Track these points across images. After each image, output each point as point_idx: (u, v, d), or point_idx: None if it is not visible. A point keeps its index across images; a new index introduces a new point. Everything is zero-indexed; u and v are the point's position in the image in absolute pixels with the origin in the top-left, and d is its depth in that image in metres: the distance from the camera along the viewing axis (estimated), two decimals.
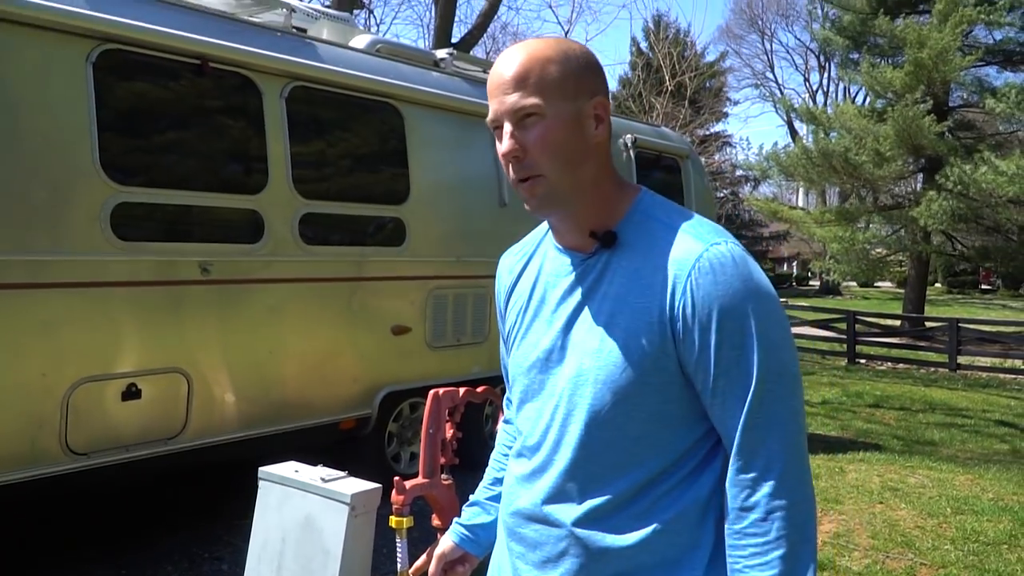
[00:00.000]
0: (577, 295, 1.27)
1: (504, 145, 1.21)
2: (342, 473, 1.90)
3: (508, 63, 1.22)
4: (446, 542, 1.52)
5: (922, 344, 15.41)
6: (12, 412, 3.42)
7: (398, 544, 1.73)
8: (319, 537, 1.81)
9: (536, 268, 1.36)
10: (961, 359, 13.94)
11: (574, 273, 1.28)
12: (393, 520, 1.73)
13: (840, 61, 20.47)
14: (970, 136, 18.02)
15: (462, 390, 2.02)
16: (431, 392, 2.01)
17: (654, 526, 1.20)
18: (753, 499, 1.16)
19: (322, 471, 1.91)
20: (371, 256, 4.79)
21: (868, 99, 19.94)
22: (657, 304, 1.18)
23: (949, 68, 15.87)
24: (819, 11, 20.47)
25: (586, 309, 1.25)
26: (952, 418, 9.59)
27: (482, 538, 1.53)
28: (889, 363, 14.71)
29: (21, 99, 3.46)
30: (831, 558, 4.26)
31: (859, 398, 10.70)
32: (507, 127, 1.21)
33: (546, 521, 1.26)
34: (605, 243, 1.25)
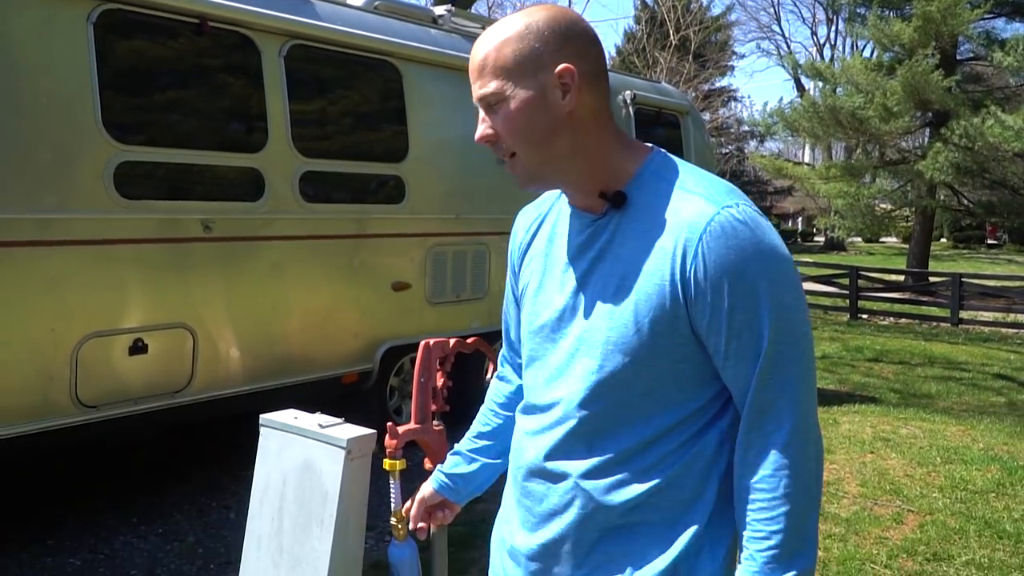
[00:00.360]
0: (588, 256, 1.27)
1: (477, 131, 1.25)
2: (339, 420, 2.00)
3: (474, 52, 1.25)
4: (427, 488, 1.57)
5: (925, 299, 15.48)
6: (23, 366, 3.53)
7: (391, 485, 1.82)
8: (318, 480, 1.91)
9: (551, 227, 1.37)
10: (964, 314, 13.98)
11: (586, 233, 1.28)
12: (387, 463, 1.82)
13: (847, 15, 20.22)
14: (978, 89, 17.86)
15: (452, 340, 2.10)
16: (422, 342, 2.10)
17: (658, 480, 1.23)
18: (763, 456, 1.18)
19: (320, 418, 2.01)
20: (371, 213, 4.87)
21: (876, 53, 19.75)
22: (668, 267, 1.18)
23: (957, 22, 15.71)
24: None
25: (597, 270, 1.26)
26: (951, 372, 9.69)
27: (461, 487, 1.56)
28: (891, 318, 14.78)
29: (24, 60, 3.51)
30: (821, 505, 4.38)
31: (859, 352, 10.80)
32: (480, 113, 1.25)
33: (552, 475, 1.29)
34: (615, 203, 1.25)
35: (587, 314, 1.25)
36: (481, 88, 1.22)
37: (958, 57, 18.32)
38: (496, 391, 1.61)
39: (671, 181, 1.24)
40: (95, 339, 3.70)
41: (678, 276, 1.18)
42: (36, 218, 3.52)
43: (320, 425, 1.92)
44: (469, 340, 2.18)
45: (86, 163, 3.66)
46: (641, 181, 1.25)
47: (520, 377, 1.53)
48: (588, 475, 1.25)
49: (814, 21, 43.16)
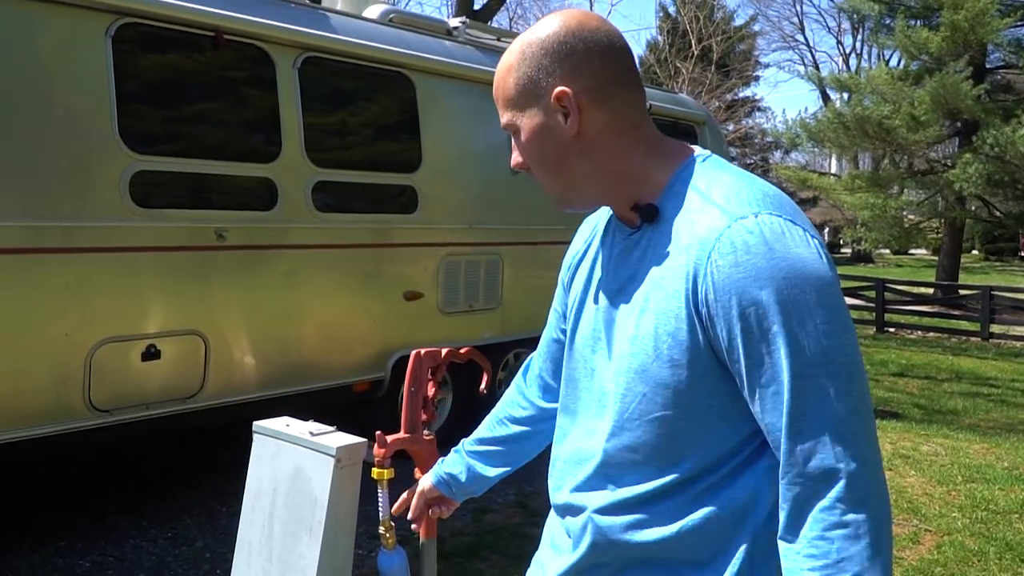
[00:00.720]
0: (621, 273, 1.19)
1: (512, 158, 1.24)
2: (330, 428, 2.01)
3: (495, 77, 1.22)
4: (426, 481, 1.55)
5: (954, 313, 15.27)
6: (38, 369, 3.59)
7: (379, 494, 1.84)
8: (308, 487, 1.93)
9: (599, 241, 1.29)
10: (994, 328, 13.77)
11: (620, 248, 1.21)
12: (375, 472, 1.84)
13: (873, 26, 20.07)
14: (1008, 98, 17.63)
15: (444, 350, 2.11)
16: (413, 352, 2.11)
17: (681, 525, 1.12)
18: (809, 516, 1.01)
19: (311, 425, 2.02)
20: (384, 223, 4.90)
21: (902, 62, 19.58)
22: (683, 288, 1.08)
23: (986, 30, 15.54)
24: None
25: (627, 289, 1.17)
26: (978, 387, 9.54)
27: (454, 488, 1.54)
28: (919, 332, 14.59)
29: (45, 72, 3.59)
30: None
31: (883, 367, 10.68)
32: (512, 140, 1.22)
33: (575, 508, 1.22)
34: (646, 217, 1.15)
35: (615, 337, 1.17)
36: (503, 118, 1.21)
37: (988, 65, 18.11)
38: (514, 402, 1.54)
39: (698, 189, 1.12)
40: (109, 344, 3.76)
41: (691, 299, 1.07)
42: (53, 225, 3.59)
43: (311, 433, 1.94)
44: (462, 350, 2.19)
45: (103, 172, 3.73)
46: (672, 192, 1.15)
47: (543, 395, 1.51)
48: (605, 511, 1.17)
49: (839, 31, 42.84)
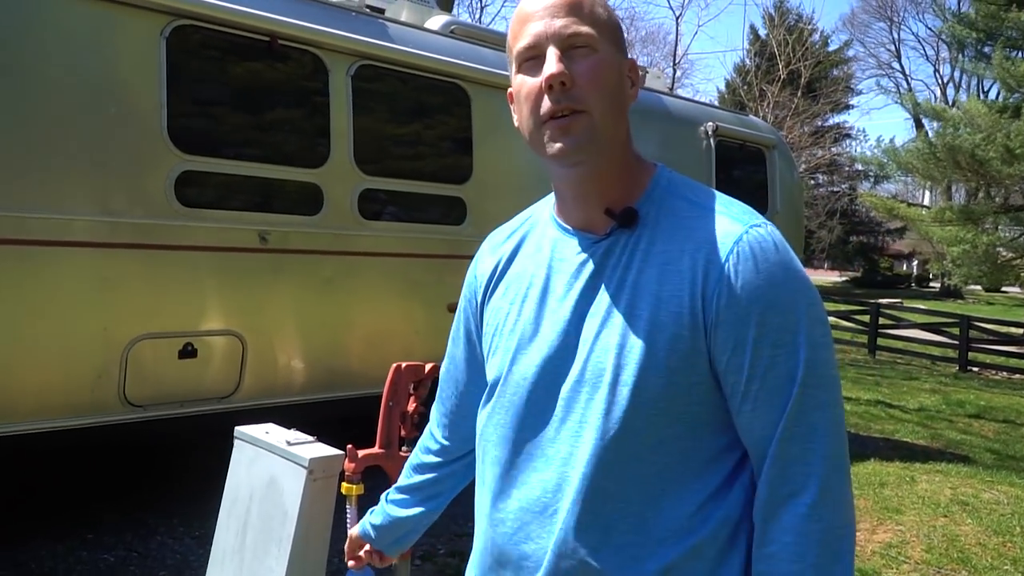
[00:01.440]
0: (589, 283, 1.12)
1: (551, 67, 1.06)
2: (310, 438, 1.97)
3: None
4: (354, 530, 1.50)
5: None
6: (75, 362, 3.67)
7: (347, 510, 1.79)
8: (280, 498, 1.89)
9: (535, 250, 1.20)
10: None
11: (585, 257, 1.13)
12: (344, 487, 1.79)
13: (973, 55, 19.33)
14: None
15: (428, 365, 2.05)
16: (393, 365, 2.06)
17: (680, 550, 1.06)
18: (787, 520, 1.03)
19: (291, 434, 1.99)
20: (430, 233, 4.88)
21: (1001, 94, 18.78)
22: (688, 292, 1.04)
23: None
24: (949, 4, 19.37)
25: (601, 299, 1.10)
26: None
27: (376, 538, 1.47)
28: (1004, 373, 13.90)
29: (100, 69, 3.68)
30: (877, 569, 4.11)
31: (960, 407, 10.17)
32: (553, 51, 1.07)
33: (548, 553, 1.09)
34: (624, 222, 1.11)
35: (590, 351, 1.09)
36: (576, 25, 1.08)
37: None
38: (426, 447, 1.46)
39: (685, 198, 1.12)
40: (146, 340, 3.82)
41: (699, 303, 1.04)
42: (97, 220, 3.66)
43: (288, 442, 1.91)
44: None
45: (149, 170, 3.80)
46: (652, 198, 1.13)
47: (452, 435, 1.40)
48: (596, 550, 1.07)
49: (937, 59, 41.45)
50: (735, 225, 1.06)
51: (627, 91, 1.14)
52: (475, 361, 1.33)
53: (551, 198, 1.24)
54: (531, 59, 1.10)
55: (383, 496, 1.49)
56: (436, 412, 1.45)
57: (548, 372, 1.13)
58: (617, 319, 1.08)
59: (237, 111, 4.17)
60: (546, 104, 1.08)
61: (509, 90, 1.18)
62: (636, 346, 1.06)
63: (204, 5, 3.92)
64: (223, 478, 2.17)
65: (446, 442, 1.42)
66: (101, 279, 3.69)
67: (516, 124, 1.17)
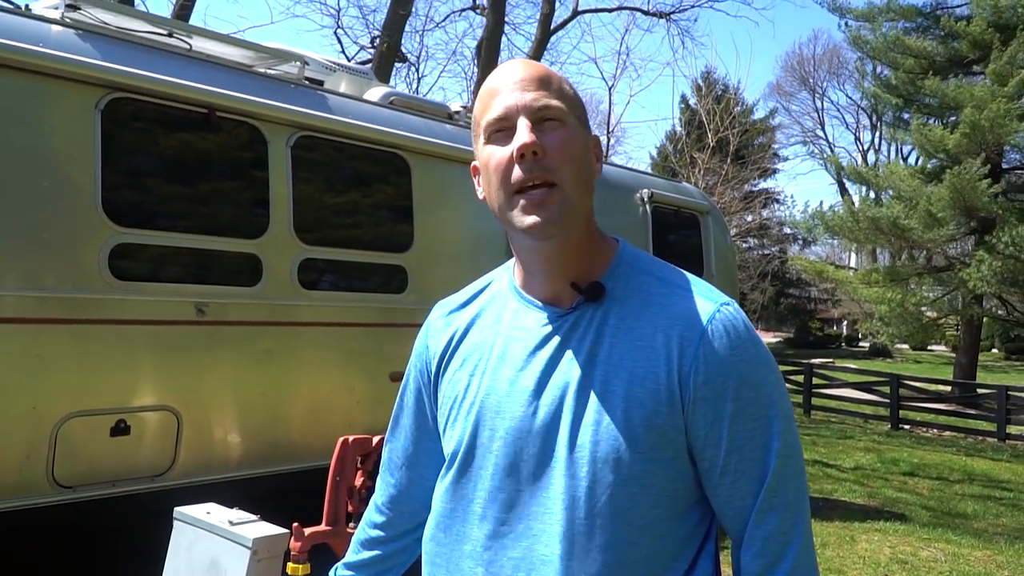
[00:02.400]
0: (555, 356, 1.11)
1: (523, 136, 1.08)
2: (253, 517, 1.92)
3: (523, 66, 1.15)
4: None
5: (970, 412, 14.96)
6: (1, 442, 3.52)
7: None
8: None
9: (493, 321, 1.20)
10: (1012, 428, 13.46)
11: (550, 330, 1.13)
12: (290, 567, 1.74)
13: (891, 121, 20.30)
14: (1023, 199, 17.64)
15: (376, 438, 2.03)
16: (340, 439, 2.03)
17: None
18: None
19: (233, 514, 1.93)
20: (371, 302, 4.86)
21: (919, 160, 19.70)
22: (664, 369, 1.06)
23: (1004, 131, 15.64)
24: (867, 68, 20.37)
25: (570, 373, 1.09)
26: (991, 490, 9.26)
27: None
28: (935, 430, 14.28)
29: (33, 142, 3.62)
30: None
31: (894, 465, 10.40)
32: (524, 122, 1.09)
33: None
34: (591, 296, 1.11)
35: (562, 425, 1.08)
36: (543, 99, 1.11)
37: (1004, 166, 18.17)
38: (372, 522, 1.42)
39: (652, 275, 1.14)
40: (77, 418, 3.69)
41: (676, 380, 1.05)
42: (28, 296, 3.56)
43: (230, 522, 1.85)
44: None
45: (82, 244, 3.72)
46: (618, 273, 1.14)
47: (398, 511, 1.36)
48: None
49: (858, 127, 43.37)
50: (707, 304, 1.09)
51: (592, 166, 1.17)
52: (426, 431, 1.30)
53: (508, 266, 1.24)
54: (501, 131, 1.12)
55: (331, 572, 1.44)
56: (382, 484, 1.41)
57: (516, 445, 1.11)
58: (590, 394, 1.07)
59: (174, 183, 4.13)
60: (517, 173, 1.09)
61: (473, 163, 1.20)
62: (613, 422, 1.05)
63: (140, 78, 3.90)
64: (158, 560, 2.10)
65: (393, 515, 1.39)
66: (30, 356, 3.57)
67: (481, 196, 1.18)
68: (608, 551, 1.04)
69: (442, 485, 1.20)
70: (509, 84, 1.12)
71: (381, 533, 1.40)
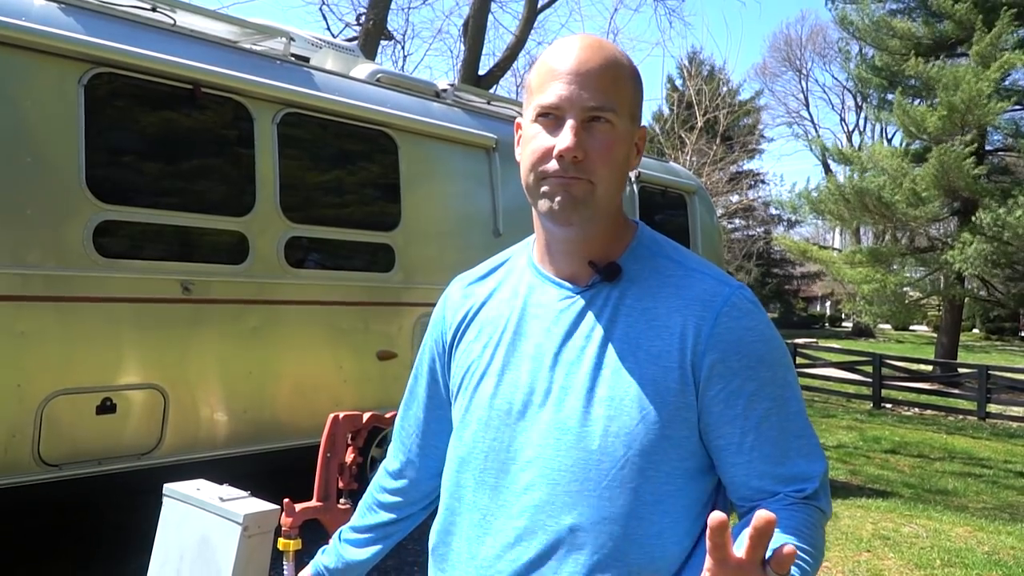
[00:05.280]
0: (570, 333, 1.12)
1: (567, 140, 1.07)
2: (243, 493, 1.92)
3: (588, 51, 1.10)
4: (306, 571, 1.44)
5: (952, 391, 15.11)
6: None
7: (284, 567, 1.74)
8: (213, 556, 1.83)
9: (510, 295, 1.20)
10: (992, 407, 13.62)
11: (565, 306, 1.14)
12: (281, 542, 1.74)
13: (876, 102, 20.33)
14: (1006, 180, 17.75)
15: (366, 415, 2.03)
16: (331, 415, 2.03)
17: None
18: (807, 521, 1.07)
19: (223, 490, 1.93)
20: (358, 281, 4.84)
21: (903, 141, 19.77)
22: (676, 348, 1.07)
23: (983, 112, 15.70)
24: (853, 50, 20.37)
25: (583, 350, 1.11)
26: (971, 467, 9.38)
27: None
28: (916, 409, 14.43)
29: (15, 118, 3.58)
30: None
31: (876, 443, 10.50)
32: (571, 122, 1.08)
33: None
34: (607, 276, 1.12)
35: (575, 400, 1.09)
36: (602, 99, 1.08)
37: (988, 147, 18.27)
38: (381, 486, 1.43)
39: (669, 257, 1.16)
40: (62, 396, 3.67)
41: (688, 359, 1.07)
42: (13, 273, 3.53)
43: (220, 498, 1.85)
44: (388, 415, 2.10)
45: (66, 221, 3.68)
46: (636, 255, 1.15)
47: (411, 476, 1.38)
48: None
49: (843, 107, 43.38)
50: (722, 286, 1.11)
51: (632, 160, 1.16)
52: (438, 399, 1.32)
53: (528, 242, 1.25)
54: (549, 115, 1.10)
55: (336, 536, 1.45)
56: (394, 451, 1.43)
57: (525, 418, 1.12)
58: (606, 371, 1.09)
59: (159, 159, 4.09)
60: (553, 166, 1.09)
61: (517, 119, 1.19)
62: (628, 398, 1.07)
63: (124, 53, 3.86)
64: (145, 538, 2.09)
65: (403, 482, 1.40)
66: (15, 333, 3.54)
67: (517, 156, 1.17)
68: (617, 525, 1.06)
69: (455, 453, 1.22)
70: (569, 71, 1.09)
71: (390, 499, 1.41)
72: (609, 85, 1.09)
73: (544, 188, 1.10)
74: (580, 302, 1.13)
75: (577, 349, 1.11)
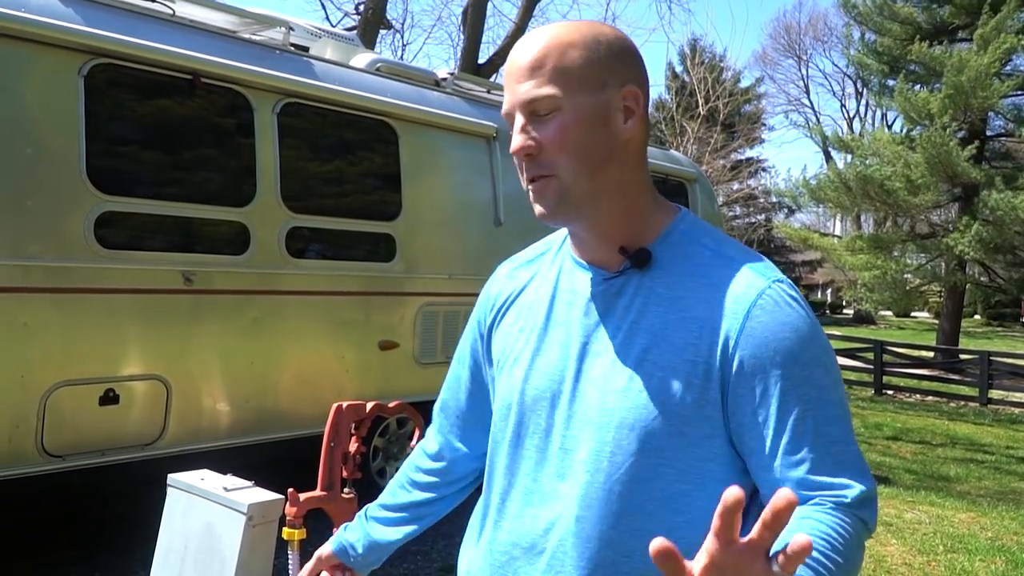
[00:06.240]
0: (598, 319, 1.10)
1: (515, 140, 1.07)
2: (247, 483, 1.93)
3: (525, 48, 1.07)
4: (326, 547, 1.42)
5: (953, 377, 15.12)
6: None
7: (290, 556, 1.74)
8: (217, 545, 1.83)
9: (549, 279, 1.18)
10: (994, 393, 13.63)
11: (595, 292, 1.11)
12: (285, 531, 1.74)
13: (877, 88, 20.27)
14: (1008, 165, 17.71)
15: (370, 404, 2.03)
16: (335, 404, 2.03)
17: None
18: (844, 525, 0.99)
19: (227, 480, 1.94)
20: (359, 271, 4.84)
21: (904, 128, 19.73)
22: (705, 342, 1.02)
23: (987, 94, 15.65)
24: (855, 35, 20.29)
25: (611, 337, 1.08)
26: (973, 454, 9.39)
27: (353, 556, 1.40)
28: (918, 395, 14.44)
29: (14, 109, 3.57)
30: None
31: (878, 430, 10.52)
32: (519, 120, 1.07)
33: None
34: (637, 262, 1.08)
35: (594, 389, 1.07)
36: (534, 89, 1.05)
37: (988, 133, 18.22)
38: (417, 466, 1.41)
39: (706, 246, 1.09)
40: (65, 387, 3.67)
41: (717, 353, 1.01)
42: (14, 265, 3.53)
43: (225, 488, 1.86)
44: (392, 404, 2.10)
45: (67, 212, 3.68)
46: (670, 241, 1.10)
47: (449, 457, 1.37)
48: None
49: (843, 95, 43.26)
50: (759, 278, 1.04)
51: (615, 132, 1.07)
52: (479, 382, 1.31)
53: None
54: (511, 123, 1.09)
55: (361, 514, 1.43)
56: (433, 432, 1.42)
57: (551, 405, 1.11)
58: (629, 359, 1.06)
59: (159, 150, 4.08)
60: (524, 170, 1.09)
61: None
62: (646, 390, 1.03)
63: (124, 43, 3.85)
64: (149, 528, 2.10)
65: (444, 462, 1.39)
66: (18, 325, 3.54)
67: None
68: (624, 518, 1.04)
69: (490, 438, 1.22)
70: (510, 73, 1.09)
71: (427, 479, 1.40)
72: (546, 68, 1.05)
73: (529, 194, 1.10)
74: (610, 289, 1.10)
75: (603, 337, 1.09)
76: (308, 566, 1.41)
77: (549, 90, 1.04)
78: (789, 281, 1.06)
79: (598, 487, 1.05)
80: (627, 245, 1.09)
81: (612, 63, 1.07)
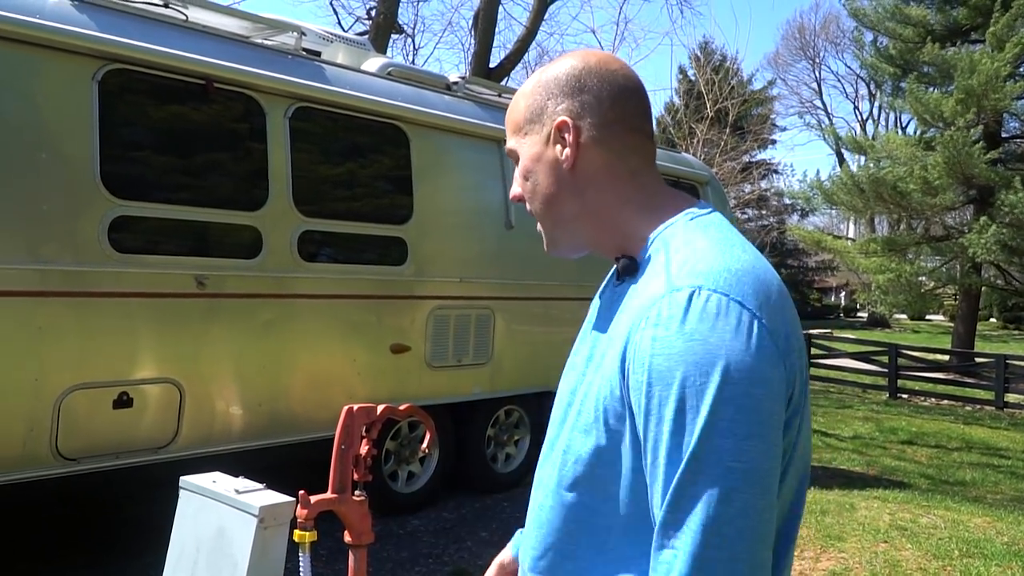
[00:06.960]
0: (594, 329, 1.13)
1: (511, 191, 1.21)
2: (259, 485, 1.93)
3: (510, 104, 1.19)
4: (506, 553, 1.37)
5: (969, 380, 14.99)
6: (4, 415, 3.52)
7: (301, 559, 1.74)
8: (229, 548, 1.84)
9: (601, 291, 1.22)
10: (1010, 397, 13.48)
11: (604, 303, 1.14)
12: (296, 534, 1.75)
13: (890, 90, 20.17)
14: (1023, 167, 17.57)
15: (381, 407, 2.03)
16: (345, 407, 2.03)
17: None
18: None
19: (239, 482, 1.94)
20: (371, 274, 4.85)
21: (918, 130, 19.63)
22: (620, 354, 1.00)
23: (1000, 95, 15.54)
24: (866, 38, 20.21)
25: (593, 347, 1.10)
26: (989, 458, 9.30)
27: None
28: (933, 399, 14.32)
29: (30, 115, 3.60)
30: None
31: (892, 434, 10.44)
32: (515, 172, 1.19)
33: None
34: (622, 271, 1.09)
35: (574, 399, 1.10)
36: (510, 143, 1.17)
37: (1003, 135, 18.10)
38: None
39: (667, 251, 1.04)
40: (79, 391, 3.69)
41: (622, 367, 0.99)
42: (29, 269, 3.55)
43: (236, 490, 1.86)
44: (402, 407, 2.10)
45: (82, 216, 3.70)
46: (650, 248, 1.08)
47: None
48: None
49: (856, 96, 43.06)
50: (662, 288, 0.98)
51: (556, 164, 1.11)
52: None
53: None
54: None
55: (519, 532, 1.39)
56: None
57: (558, 413, 1.15)
58: (594, 367, 1.07)
59: (172, 155, 4.11)
60: None
61: None
62: (593, 400, 1.04)
63: (137, 49, 3.87)
64: (162, 531, 2.10)
65: None
66: (32, 328, 3.57)
67: None
68: (558, 554, 1.07)
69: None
70: None
71: None
72: (509, 123, 1.17)
73: None
74: (614, 296, 1.10)
75: (588, 346, 1.12)
76: (490, 573, 1.37)
77: (510, 143, 1.16)
78: (703, 289, 0.95)
79: (562, 485, 1.08)
80: (624, 254, 1.11)
81: (546, 102, 1.12)
